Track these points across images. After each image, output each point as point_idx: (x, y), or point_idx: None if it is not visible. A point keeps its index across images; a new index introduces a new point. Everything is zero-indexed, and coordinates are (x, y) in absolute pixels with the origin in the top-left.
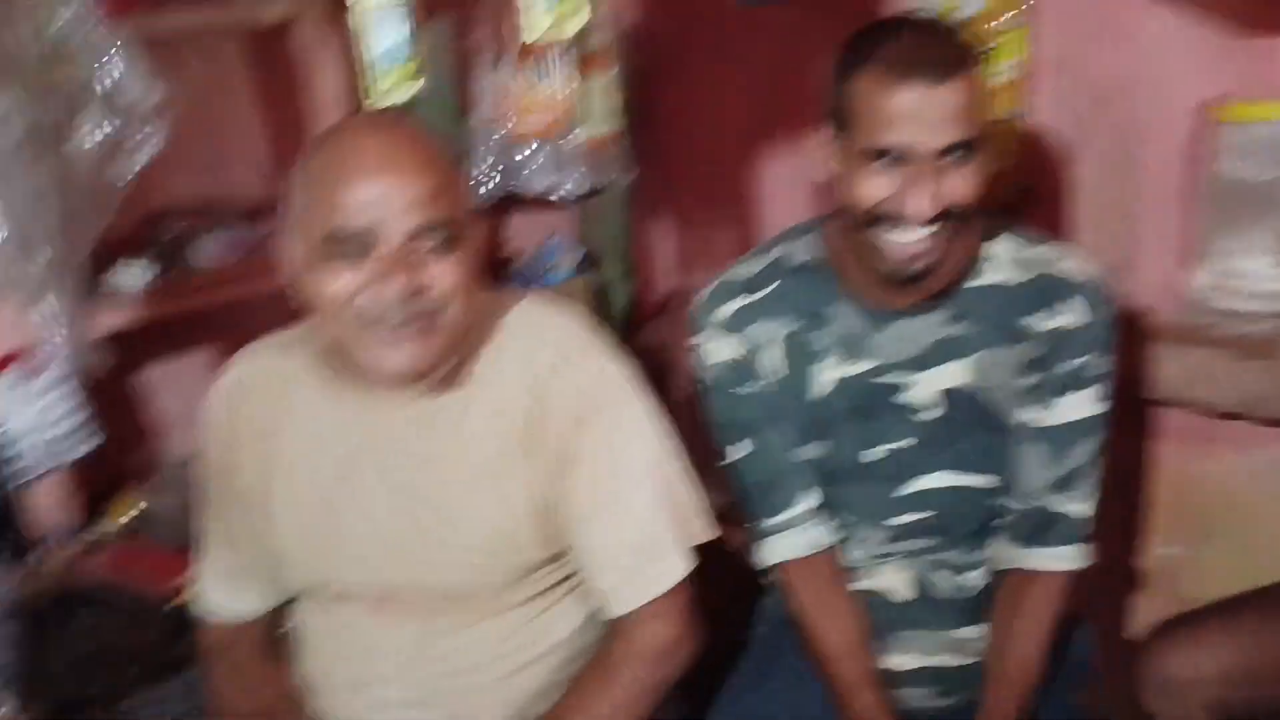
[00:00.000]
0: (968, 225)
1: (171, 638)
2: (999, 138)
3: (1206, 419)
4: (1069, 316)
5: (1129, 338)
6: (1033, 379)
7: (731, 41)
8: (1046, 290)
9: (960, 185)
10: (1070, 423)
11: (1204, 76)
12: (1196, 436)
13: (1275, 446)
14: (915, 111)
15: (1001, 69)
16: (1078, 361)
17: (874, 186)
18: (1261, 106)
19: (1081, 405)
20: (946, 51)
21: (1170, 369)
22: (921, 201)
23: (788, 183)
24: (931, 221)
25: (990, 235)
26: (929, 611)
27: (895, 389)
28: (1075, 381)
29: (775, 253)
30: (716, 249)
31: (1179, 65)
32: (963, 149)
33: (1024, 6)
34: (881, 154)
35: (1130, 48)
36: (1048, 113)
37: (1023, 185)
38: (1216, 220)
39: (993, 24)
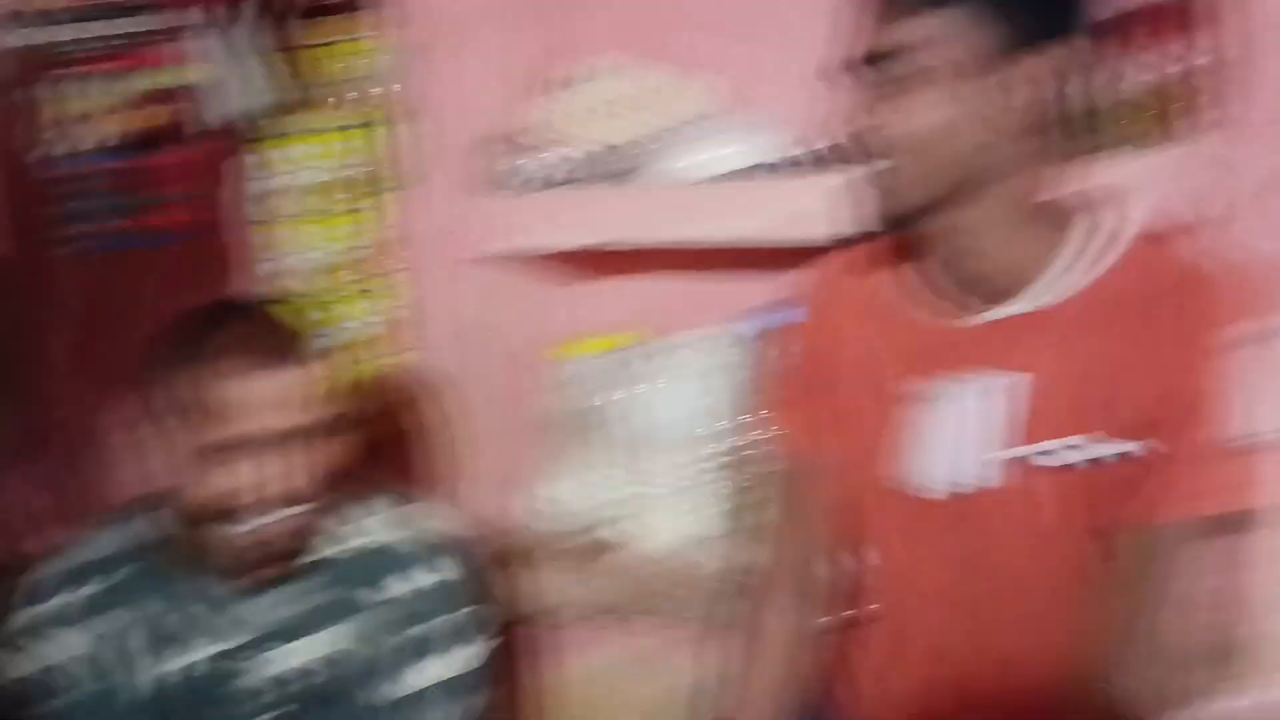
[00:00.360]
0: (317, 502)
1: None
2: (366, 387)
3: (557, 630)
4: (428, 578)
5: (480, 564)
6: (390, 646)
7: (79, 296)
8: (396, 558)
9: (306, 468)
10: (434, 684)
11: (544, 319)
12: (550, 644)
13: (610, 647)
14: (253, 401)
15: (367, 315)
16: (442, 620)
17: (216, 479)
18: (582, 345)
19: (446, 665)
20: (280, 337)
21: (523, 585)
22: (265, 489)
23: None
24: (277, 507)
25: (346, 501)
26: None
27: (249, 669)
28: (440, 637)
29: (115, 532)
30: (79, 511)
31: (522, 310)
32: (306, 432)
33: (388, 257)
34: (222, 447)
35: (481, 295)
36: (417, 357)
37: (385, 432)
38: (557, 444)
39: (358, 272)
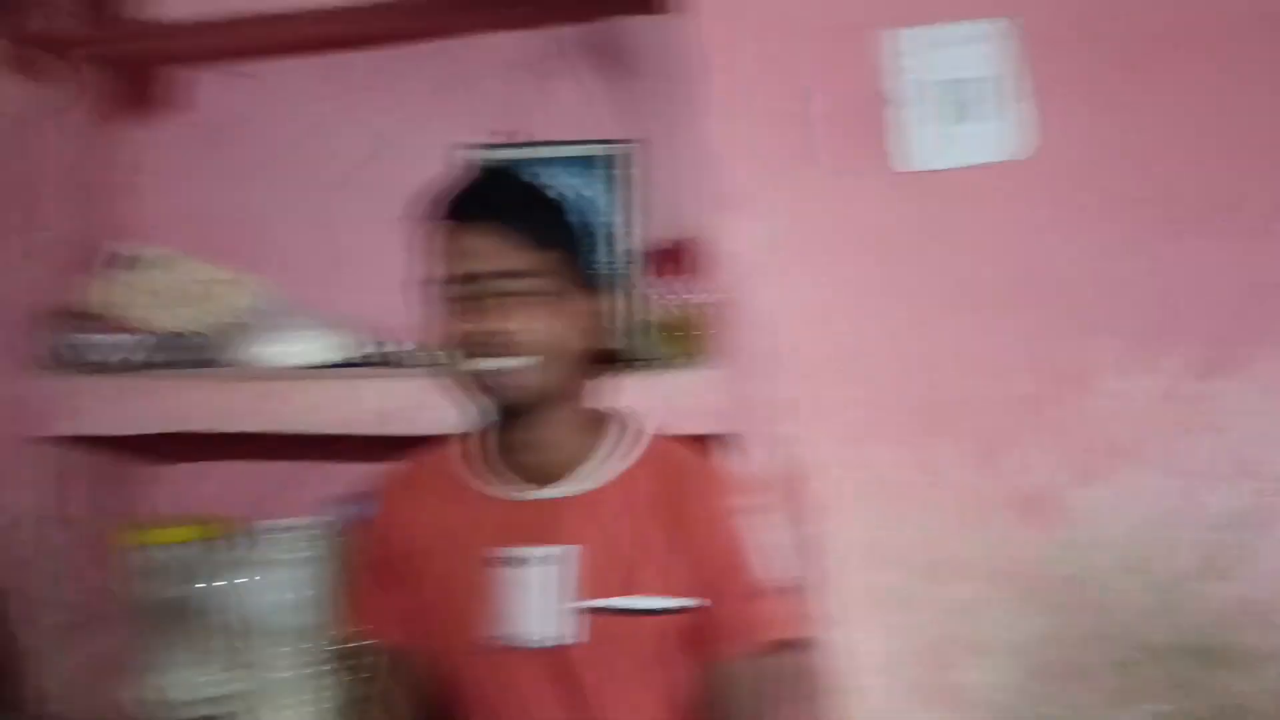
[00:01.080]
0: None
1: None
2: None
3: None
4: None
5: None
6: None
7: None
8: None
9: None
10: None
11: (119, 503)
12: None
13: None
14: None
15: None
16: None
17: None
18: (168, 531)
19: None
20: None
21: None
22: None
23: None
24: None
25: None
26: None
27: None
28: None
29: None
30: None
31: (85, 495)
32: None
33: None
34: None
35: (30, 481)
36: None
37: None
38: (147, 636)
39: None
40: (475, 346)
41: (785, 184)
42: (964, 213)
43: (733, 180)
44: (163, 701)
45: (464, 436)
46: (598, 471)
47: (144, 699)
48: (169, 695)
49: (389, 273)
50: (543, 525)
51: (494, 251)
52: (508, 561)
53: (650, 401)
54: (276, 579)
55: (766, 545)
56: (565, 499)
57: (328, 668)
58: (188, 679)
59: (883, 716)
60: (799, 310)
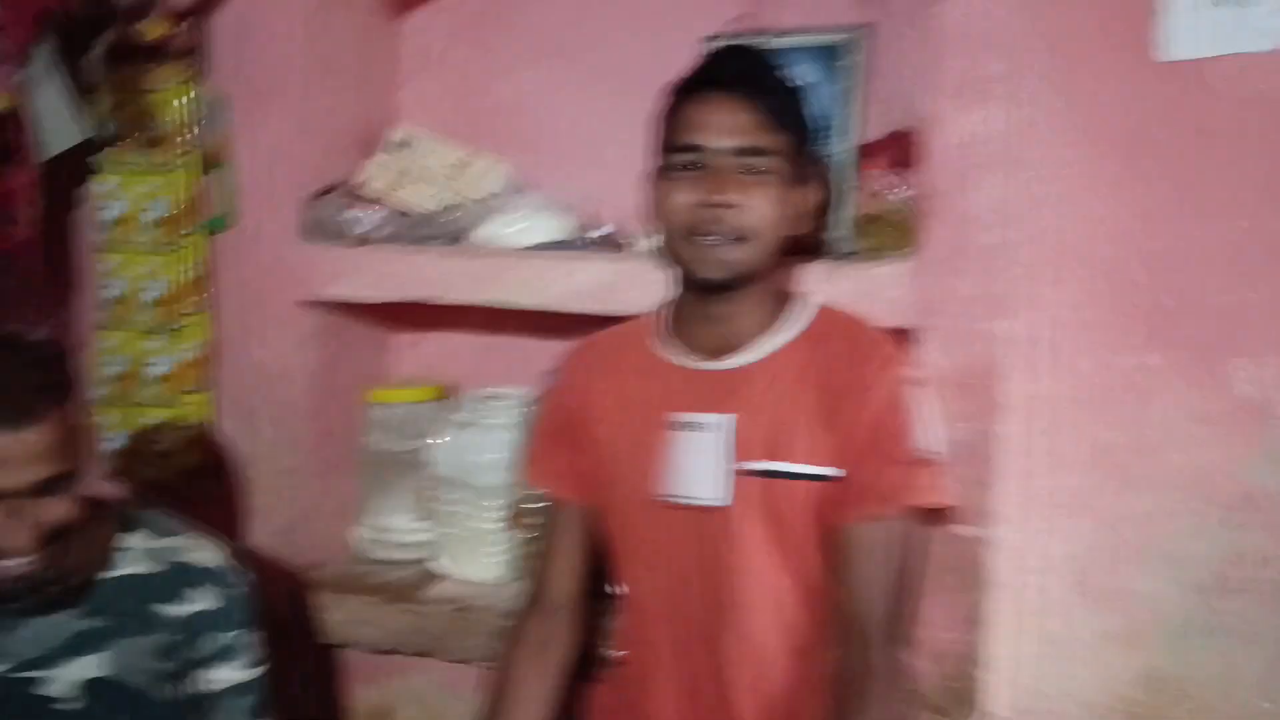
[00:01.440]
0: (47, 552)
1: None
2: (178, 431)
3: (369, 655)
4: (202, 603)
5: (302, 590)
6: (174, 662)
7: None
8: (178, 579)
9: (55, 512)
10: (220, 691)
11: (360, 364)
12: (363, 671)
13: (416, 674)
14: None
15: (188, 349)
16: (218, 641)
17: None
18: (398, 392)
19: (229, 676)
20: (21, 397)
21: (336, 615)
22: (16, 538)
23: None
24: (7, 556)
25: (124, 528)
26: None
27: (31, 684)
28: (218, 657)
29: None
30: None
31: (338, 354)
32: (52, 483)
33: (205, 295)
34: None
35: (288, 339)
36: (223, 393)
37: (180, 468)
38: (370, 484)
39: (178, 307)
40: (697, 218)
41: (1022, 72)
42: (1223, 106)
43: (964, 69)
44: (376, 541)
45: (656, 311)
46: (769, 345)
47: (360, 539)
48: (382, 537)
49: (622, 159)
50: (716, 393)
51: (733, 126)
52: (681, 425)
53: (847, 292)
54: (483, 441)
55: (923, 418)
56: (738, 369)
57: (514, 525)
58: (399, 524)
59: (1037, 613)
60: (1021, 204)
